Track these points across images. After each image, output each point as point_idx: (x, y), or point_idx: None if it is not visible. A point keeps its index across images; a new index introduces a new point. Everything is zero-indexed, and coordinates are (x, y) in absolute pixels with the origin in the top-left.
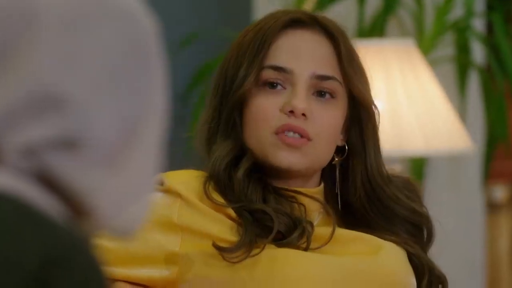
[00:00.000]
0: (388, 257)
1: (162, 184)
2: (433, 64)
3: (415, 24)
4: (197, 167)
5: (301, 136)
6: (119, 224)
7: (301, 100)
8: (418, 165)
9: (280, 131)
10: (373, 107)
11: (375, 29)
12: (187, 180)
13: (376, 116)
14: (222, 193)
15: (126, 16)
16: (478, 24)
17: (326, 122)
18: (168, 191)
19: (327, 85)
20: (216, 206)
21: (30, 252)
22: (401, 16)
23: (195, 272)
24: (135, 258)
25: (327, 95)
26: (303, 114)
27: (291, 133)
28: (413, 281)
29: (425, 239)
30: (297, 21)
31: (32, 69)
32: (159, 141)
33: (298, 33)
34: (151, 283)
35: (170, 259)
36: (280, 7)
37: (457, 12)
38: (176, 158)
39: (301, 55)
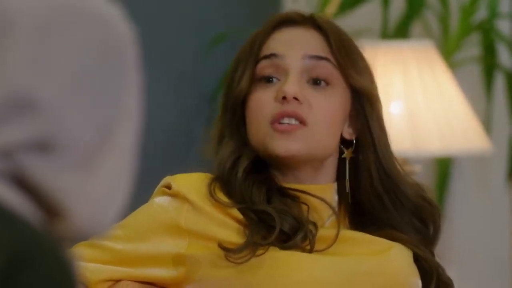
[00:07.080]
0: (393, 258)
1: (170, 187)
2: (459, 65)
3: (440, 25)
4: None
5: (298, 121)
6: (91, 226)
7: (292, 84)
8: (444, 165)
9: (275, 120)
10: (375, 95)
11: (400, 31)
12: (195, 184)
13: (379, 106)
14: (228, 194)
15: (99, 21)
16: (505, 26)
17: (324, 108)
18: (175, 195)
19: (320, 68)
20: (223, 209)
21: None
22: (426, 18)
23: (202, 273)
24: (143, 259)
25: (323, 83)
26: (296, 98)
27: (285, 119)
28: (417, 282)
29: (431, 234)
30: (288, 21)
31: (6, 73)
32: (134, 145)
33: (290, 30)
34: (159, 282)
35: (177, 260)
36: (306, 8)
37: (482, 13)
38: (205, 158)
39: (293, 44)
